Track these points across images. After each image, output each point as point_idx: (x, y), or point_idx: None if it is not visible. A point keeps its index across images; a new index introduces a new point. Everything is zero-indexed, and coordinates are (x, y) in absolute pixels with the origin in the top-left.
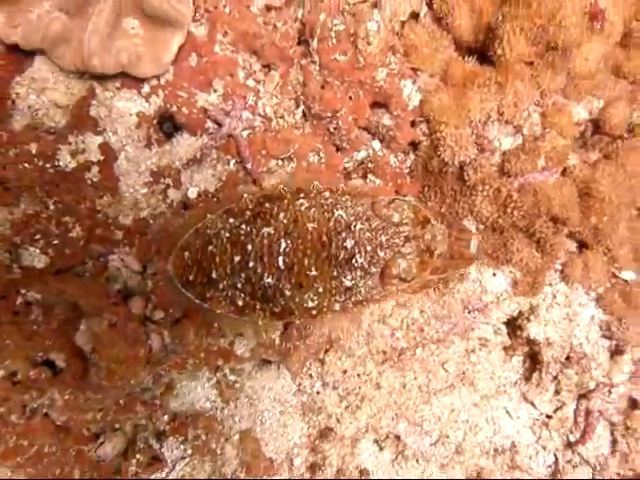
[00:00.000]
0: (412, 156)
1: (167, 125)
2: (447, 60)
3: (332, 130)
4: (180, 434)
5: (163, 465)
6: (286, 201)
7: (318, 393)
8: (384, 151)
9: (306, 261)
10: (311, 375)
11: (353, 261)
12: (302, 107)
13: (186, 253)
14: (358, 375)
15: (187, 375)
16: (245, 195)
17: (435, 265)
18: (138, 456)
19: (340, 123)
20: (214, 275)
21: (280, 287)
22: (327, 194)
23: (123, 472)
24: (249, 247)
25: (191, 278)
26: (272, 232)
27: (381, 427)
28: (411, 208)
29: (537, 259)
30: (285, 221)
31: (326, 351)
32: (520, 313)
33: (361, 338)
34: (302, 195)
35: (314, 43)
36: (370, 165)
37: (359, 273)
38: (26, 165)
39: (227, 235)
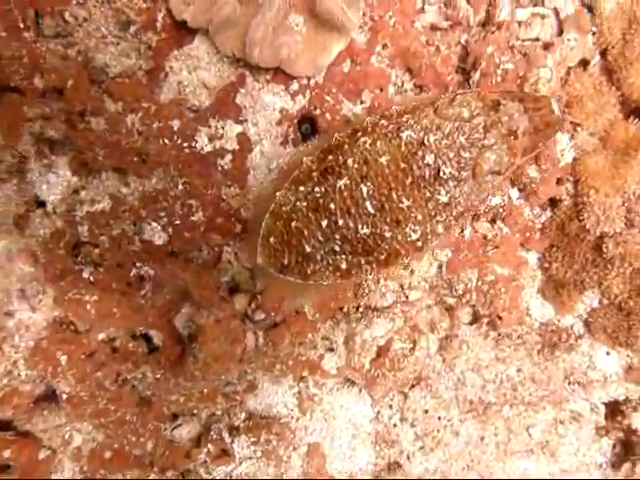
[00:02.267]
0: (549, 213)
1: (306, 127)
2: (611, 120)
3: None
4: (253, 434)
5: (231, 460)
6: (347, 146)
7: (395, 426)
8: (521, 202)
9: (394, 195)
10: (391, 406)
11: (441, 174)
12: None
13: (271, 239)
14: (439, 418)
15: (271, 378)
16: (304, 158)
17: (524, 145)
18: (210, 445)
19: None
20: (308, 249)
21: (378, 232)
22: (384, 122)
23: (192, 457)
24: (332, 206)
25: (286, 262)
26: (348, 182)
27: (450, 474)
28: (475, 96)
29: None
30: (356, 166)
31: (412, 386)
32: (627, 399)
33: (451, 382)
34: (360, 134)
35: (476, 76)
36: (502, 212)
37: (452, 183)
38: (166, 141)
39: (305, 204)
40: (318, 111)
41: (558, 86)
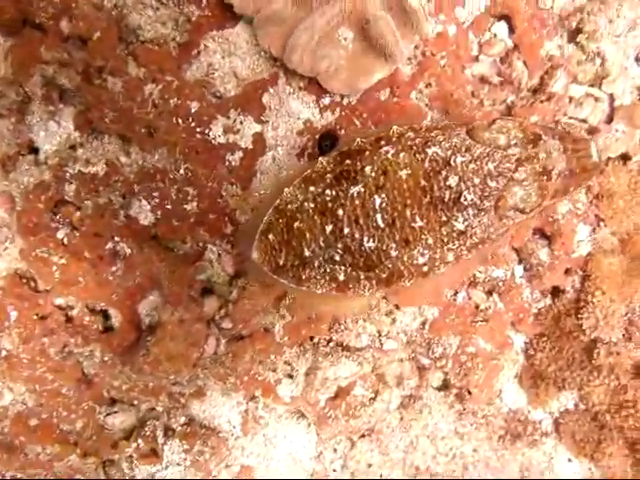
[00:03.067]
0: (548, 301)
1: (326, 143)
2: (637, 224)
3: None
4: (188, 441)
5: (158, 461)
6: (367, 153)
7: (334, 471)
8: (523, 281)
9: (408, 212)
10: (336, 450)
11: (462, 199)
12: None
13: (270, 236)
14: (381, 475)
15: (222, 389)
16: (320, 158)
17: (555, 187)
18: (140, 441)
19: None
20: (307, 253)
21: (384, 248)
22: (411, 134)
23: (119, 448)
24: (340, 212)
25: (281, 262)
26: (362, 190)
27: None
28: (517, 125)
29: (628, 474)
30: (374, 174)
31: (363, 436)
32: None
33: (402, 443)
34: (383, 142)
35: None
36: (501, 286)
37: (471, 212)
38: (180, 120)
39: (312, 206)
40: (343, 132)
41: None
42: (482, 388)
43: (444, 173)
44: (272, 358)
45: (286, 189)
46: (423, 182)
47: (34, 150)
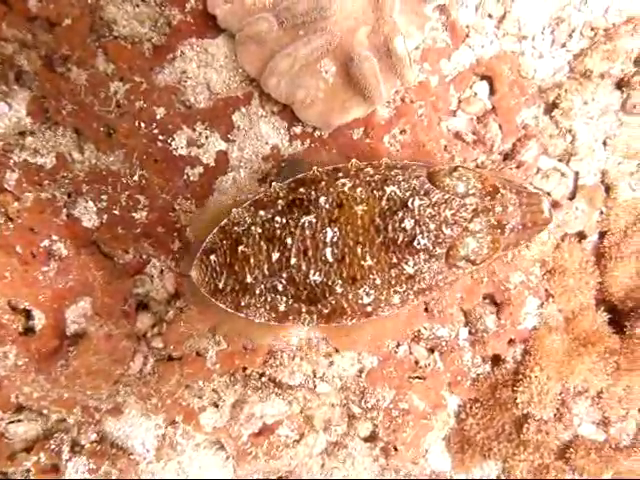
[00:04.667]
0: (487, 367)
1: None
2: (583, 305)
3: None
4: (95, 460)
5: (57, 478)
6: (323, 183)
7: None
8: (466, 344)
9: (359, 250)
10: None
11: (415, 243)
12: None
13: (212, 257)
14: None
15: (142, 409)
16: (274, 183)
17: (507, 242)
18: (42, 455)
19: (447, 292)
20: (249, 279)
21: (330, 284)
22: (370, 170)
23: (16, 461)
24: (289, 241)
25: (221, 286)
26: (314, 221)
27: None
28: (477, 177)
29: None
30: (328, 206)
31: (280, 478)
32: None
33: None
34: (341, 174)
35: None
36: (444, 346)
37: (422, 257)
38: (142, 125)
39: (259, 231)
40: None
41: (550, 250)
42: (409, 446)
43: (400, 214)
44: (200, 384)
45: (234, 210)
46: (378, 220)
47: None
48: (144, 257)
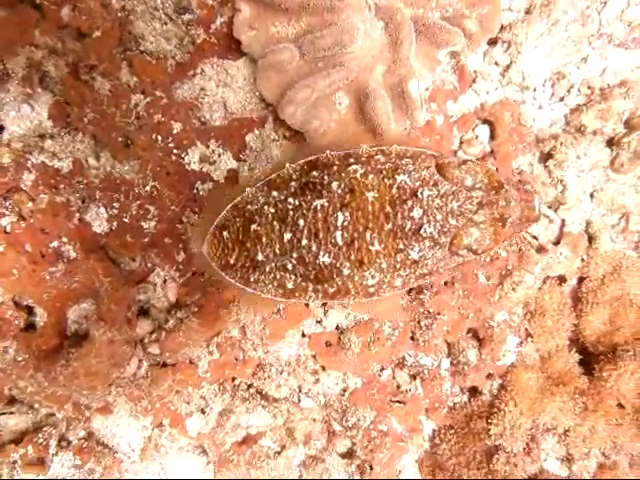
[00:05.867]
0: (465, 398)
1: None
2: (558, 346)
3: (422, 320)
4: (81, 457)
5: (42, 472)
6: (335, 168)
7: None
8: (447, 374)
9: (368, 235)
10: None
11: (421, 231)
12: (415, 287)
13: (225, 233)
14: None
15: (131, 410)
16: (287, 164)
17: (507, 234)
18: (30, 448)
19: (434, 324)
20: (260, 257)
21: (338, 265)
22: (381, 157)
23: (5, 452)
24: (301, 223)
25: (232, 261)
26: (326, 204)
27: None
28: (484, 171)
29: None
30: (340, 191)
31: None
32: None
33: None
34: (352, 160)
35: None
36: (426, 374)
37: (428, 244)
38: (159, 138)
39: (272, 211)
40: None
41: (534, 294)
42: (384, 466)
43: (410, 203)
44: (189, 390)
45: (248, 189)
46: (388, 208)
47: None
48: (149, 266)
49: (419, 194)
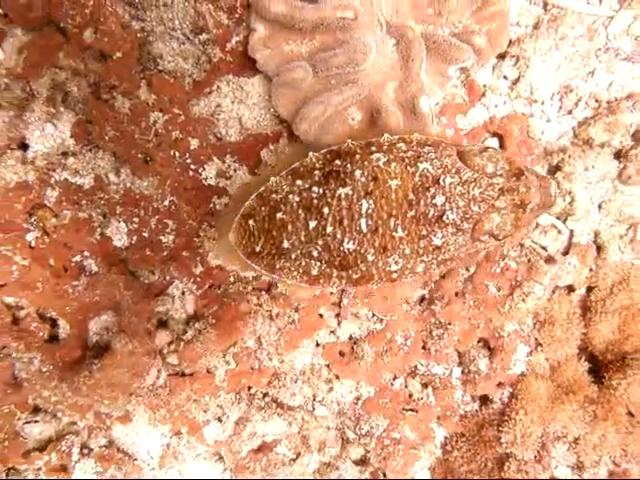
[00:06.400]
0: (476, 406)
1: None
2: (568, 355)
3: (434, 330)
4: (102, 464)
5: (65, 478)
6: (358, 156)
7: None
8: (458, 383)
9: (392, 222)
10: None
11: (444, 218)
12: (426, 290)
13: (251, 221)
14: None
15: (150, 418)
16: (310, 153)
17: (527, 220)
18: (53, 455)
19: (445, 334)
20: (286, 244)
21: (362, 252)
22: (403, 145)
23: (30, 459)
24: (325, 211)
25: (258, 249)
26: (350, 193)
27: None
28: (505, 158)
29: None
30: (363, 179)
31: None
32: None
33: None
34: (374, 149)
35: (481, 254)
36: (437, 382)
37: (450, 230)
38: (177, 154)
39: (297, 199)
40: None
41: (543, 305)
42: (397, 474)
43: (432, 190)
44: (207, 399)
45: (272, 178)
46: (411, 195)
47: (24, 147)
48: (167, 279)
49: (441, 181)
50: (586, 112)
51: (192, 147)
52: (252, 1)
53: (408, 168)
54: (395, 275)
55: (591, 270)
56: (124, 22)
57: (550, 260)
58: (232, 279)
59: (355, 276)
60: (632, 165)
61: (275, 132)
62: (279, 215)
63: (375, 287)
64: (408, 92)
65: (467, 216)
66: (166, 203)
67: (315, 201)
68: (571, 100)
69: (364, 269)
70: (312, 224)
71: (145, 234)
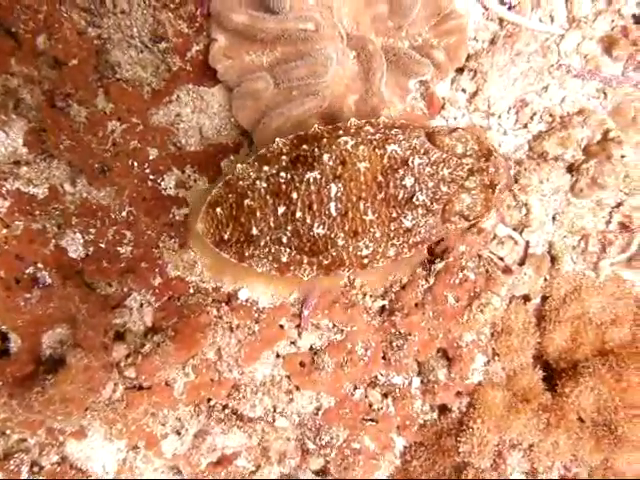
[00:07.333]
0: (435, 415)
1: None
2: (523, 364)
3: (394, 341)
4: None
5: None
6: (325, 140)
7: None
8: (417, 393)
9: (362, 205)
10: None
11: (414, 199)
12: (386, 301)
13: (218, 209)
14: None
15: (105, 433)
16: (277, 139)
17: (496, 201)
18: (0, 475)
19: (405, 344)
20: (255, 231)
21: (332, 236)
22: (370, 128)
23: None
24: (294, 196)
25: (226, 237)
26: (319, 177)
27: None
28: (475, 138)
29: None
30: (331, 163)
31: None
32: None
33: None
34: (341, 132)
35: (439, 265)
36: (397, 392)
37: (420, 211)
38: (135, 164)
39: (264, 185)
40: None
41: (500, 315)
42: None
43: (401, 172)
44: (165, 412)
45: (238, 165)
46: (380, 178)
47: None
48: (125, 290)
49: (410, 162)
50: (541, 126)
51: (151, 157)
52: (213, 11)
53: (376, 150)
54: (366, 260)
55: (545, 280)
56: (80, 29)
57: (507, 270)
58: (192, 290)
59: (326, 262)
60: (583, 179)
61: (236, 142)
62: (247, 202)
63: (347, 273)
64: (369, 105)
65: (437, 197)
66: (124, 214)
67: (283, 186)
68: (527, 114)
69: (334, 254)
70: (281, 210)
71: (102, 245)
